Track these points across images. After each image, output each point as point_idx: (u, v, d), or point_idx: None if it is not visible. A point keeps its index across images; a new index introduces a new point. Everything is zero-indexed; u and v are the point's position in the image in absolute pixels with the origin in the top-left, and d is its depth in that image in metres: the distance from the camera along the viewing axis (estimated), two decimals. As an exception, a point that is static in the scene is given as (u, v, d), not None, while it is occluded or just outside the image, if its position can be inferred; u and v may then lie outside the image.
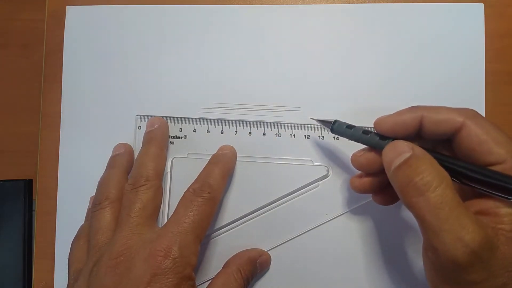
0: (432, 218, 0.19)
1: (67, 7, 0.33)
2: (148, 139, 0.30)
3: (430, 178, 0.20)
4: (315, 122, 0.29)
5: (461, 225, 0.19)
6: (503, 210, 0.20)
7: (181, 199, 0.26)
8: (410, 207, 0.20)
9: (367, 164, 0.25)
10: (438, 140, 0.24)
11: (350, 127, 0.26)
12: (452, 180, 0.21)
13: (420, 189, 0.20)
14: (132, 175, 0.28)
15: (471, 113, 0.22)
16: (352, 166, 0.29)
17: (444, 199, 0.19)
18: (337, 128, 0.26)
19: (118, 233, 0.25)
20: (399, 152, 0.22)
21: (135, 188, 0.27)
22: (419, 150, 0.21)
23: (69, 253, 0.28)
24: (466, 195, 0.22)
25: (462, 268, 0.19)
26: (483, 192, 0.21)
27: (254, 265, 0.28)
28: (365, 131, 0.25)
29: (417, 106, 0.24)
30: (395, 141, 0.23)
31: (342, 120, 0.26)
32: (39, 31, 0.34)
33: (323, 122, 0.27)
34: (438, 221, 0.19)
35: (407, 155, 0.21)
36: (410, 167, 0.21)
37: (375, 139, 0.24)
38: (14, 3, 0.39)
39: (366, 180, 0.26)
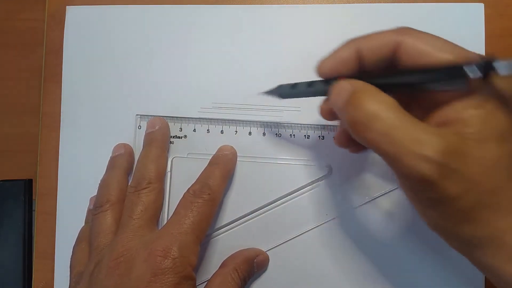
0: (388, 147, 0.18)
1: (67, 7, 0.33)
2: (149, 140, 0.30)
3: (374, 108, 0.19)
4: (313, 122, 0.29)
5: (418, 143, 0.17)
6: (466, 113, 0.18)
7: (180, 200, 0.26)
8: (366, 143, 0.19)
9: (329, 113, 0.24)
10: (383, 67, 0.22)
11: (293, 86, 0.25)
12: (405, 95, 0.20)
13: (367, 123, 0.19)
14: (134, 177, 0.28)
15: (405, 29, 0.21)
16: (352, 166, 0.29)
17: (393, 124, 0.18)
18: (284, 92, 0.26)
19: (119, 235, 0.26)
20: (339, 93, 0.21)
21: (137, 191, 0.27)
22: (358, 84, 0.20)
23: (71, 257, 0.28)
24: (425, 111, 0.21)
25: (437, 185, 0.18)
26: (442, 98, 0.19)
27: (251, 265, 0.28)
28: (310, 83, 0.24)
29: (352, 39, 0.22)
30: (336, 83, 0.21)
31: (285, 83, 0.26)
32: (39, 31, 0.34)
33: (270, 93, 0.27)
34: (395, 147, 0.18)
35: (348, 93, 0.20)
36: (352, 104, 0.20)
37: (321, 87, 0.23)
38: (14, 3, 0.39)
39: (340, 130, 0.25)
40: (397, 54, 0.20)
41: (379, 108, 0.19)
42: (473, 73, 0.17)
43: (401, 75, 0.20)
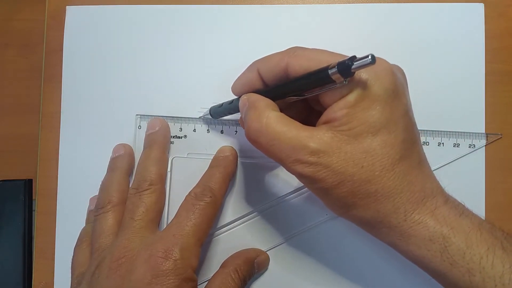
0: (272, 155, 0.22)
1: (67, 7, 0.33)
2: (150, 142, 0.30)
3: (259, 125, 0.22)
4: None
5: (294, 149, 0.21)
6: (340, 112, 0.20)
7: (182, 202, 0.27)
8: (262, 152, 0.22)
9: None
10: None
11: (220, 105, 0.28)
12: (295, 97, 0.23)
13: (255, 138, 0.22)
14: (136, 179, 0.28)
15: (293, 49, 0.23)
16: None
17: (272, 136, 0.21)
18: (214, 112, 0.29)
19: (121, 236, 0.26)
20: (241, 107, 0.24)
21: (138, 193, 0.27)
22: (253, 99, 0.23)
23: (72, 258, 0.28)
24: (317, 115, 0.23)
25: (314, 179, 0.21)
26: (326, 102, 0.21)
27: (252, 265, 0.28)
28: (231, 101, 0.27)
29: (254, 61, 0.25)
30: (240, 98, 0.25)
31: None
32: (39, 31, 0.34)
33: (206, 115, 0.30)
34: (277, 155, 0.21)
35: (244, 109, 0.23)
36: (246, 118, 0.23)
37: (238, 103, 0.25)
38: (14, 3, 0.39)
39: None
40: (288, 72, 0.23)
41: (263, 124, 0.22)
42: (333, 71, 0.19)
43: (286, 85, 0.23)
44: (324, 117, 0.21)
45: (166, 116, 0.31)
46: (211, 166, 0.29)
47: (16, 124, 0.39)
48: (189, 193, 0.27)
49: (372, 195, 0.20)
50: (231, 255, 0.28)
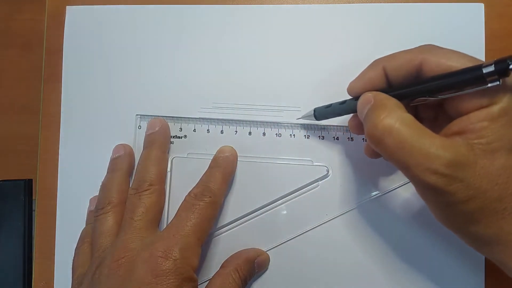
0: (399, 159, 0.20)
1: (67, 7, 0.33)
2: (150, 142, 0.30)
3: (387, 124, 0.20)
4: (313, 122, 0.29)
5: (427, 156, 0.19)
6: (480, 124, 0.20)
7: (182, 203, 0.27)
8: (381, 153, 0.21)
9: (357, 128, 0.26)
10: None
11: (328, 106, 0.27)
12: (427, 98, 0.21)
13: (381, 137, 0.20)
14: (136, 179, 0.28)
15: (428, 47, 0.22)
16: (352, 165, 0.29)
17: (404, 139, 0.20)
18: (319, 113, 0.28)
19: (121, 236, 0.26)
20: (362, 105, 0.23)
21: (138, 193, 0.27)
22: (379, 97, 0.22)
23: (73, 259, 0.28)
24: (442, 122, 0.23)
25: (444, 192, 0.19)
26: (461, 109, 0.21)
27: (252, 265, 0.28)
28: (343, 102, 0.26)
29: (378, 59, 0.24)
30: (362, 95, 0.23)
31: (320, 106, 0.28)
32: (39, 31, 0.34)
33: (307, 117, 0.29)
34: (405, 159, 0.20)
35: (368, 106, 0.22)
36: (369, 119, 0.21)
37: (353, 103, 0.25)
38: (14, 3, 0.39)
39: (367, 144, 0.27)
40: (422, 71, 0.22)
41: (393, 123, 0.20)
42: (489, 70, 0.18)
43: (424, 83, 0.22)
44: (457, 126, 0.20)
45: (166, 116, 0.31)
46: (211, 166, 0.29)
47: (16, 124, 0.39)
48: (189, 193, 0.27)
49: (500, 212, 0.20)
50: (231, 255, 0.29)
